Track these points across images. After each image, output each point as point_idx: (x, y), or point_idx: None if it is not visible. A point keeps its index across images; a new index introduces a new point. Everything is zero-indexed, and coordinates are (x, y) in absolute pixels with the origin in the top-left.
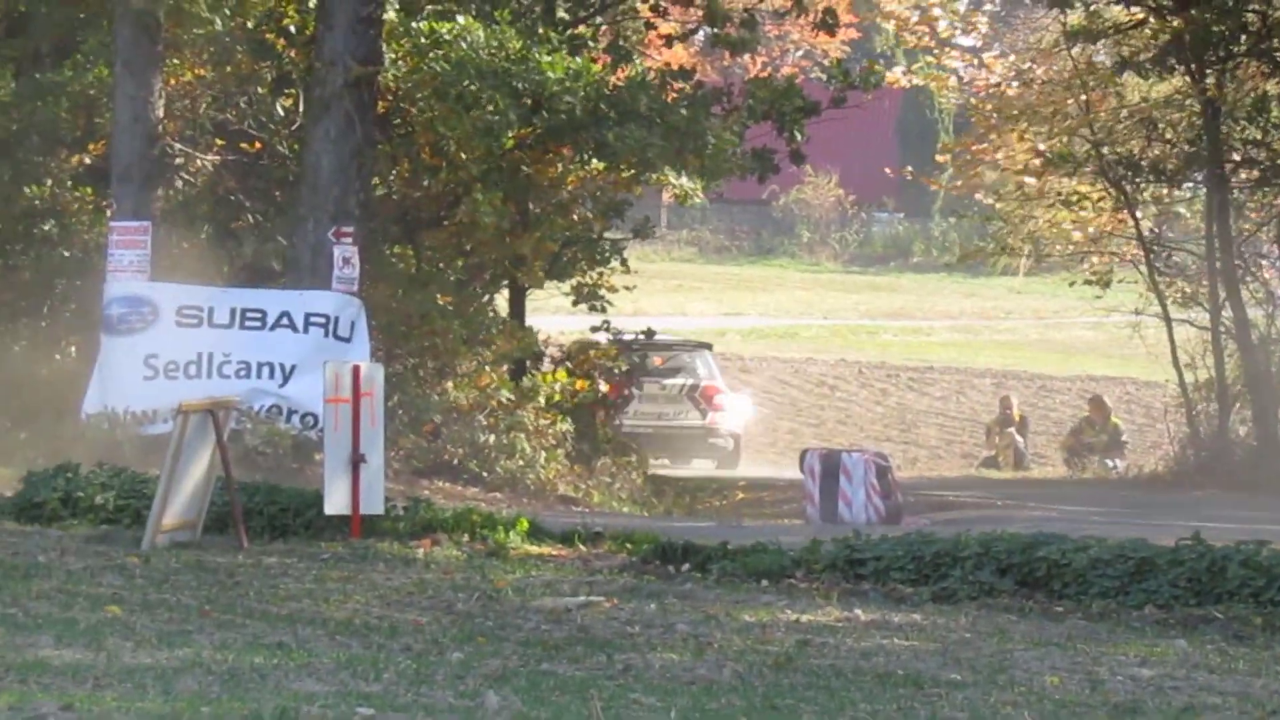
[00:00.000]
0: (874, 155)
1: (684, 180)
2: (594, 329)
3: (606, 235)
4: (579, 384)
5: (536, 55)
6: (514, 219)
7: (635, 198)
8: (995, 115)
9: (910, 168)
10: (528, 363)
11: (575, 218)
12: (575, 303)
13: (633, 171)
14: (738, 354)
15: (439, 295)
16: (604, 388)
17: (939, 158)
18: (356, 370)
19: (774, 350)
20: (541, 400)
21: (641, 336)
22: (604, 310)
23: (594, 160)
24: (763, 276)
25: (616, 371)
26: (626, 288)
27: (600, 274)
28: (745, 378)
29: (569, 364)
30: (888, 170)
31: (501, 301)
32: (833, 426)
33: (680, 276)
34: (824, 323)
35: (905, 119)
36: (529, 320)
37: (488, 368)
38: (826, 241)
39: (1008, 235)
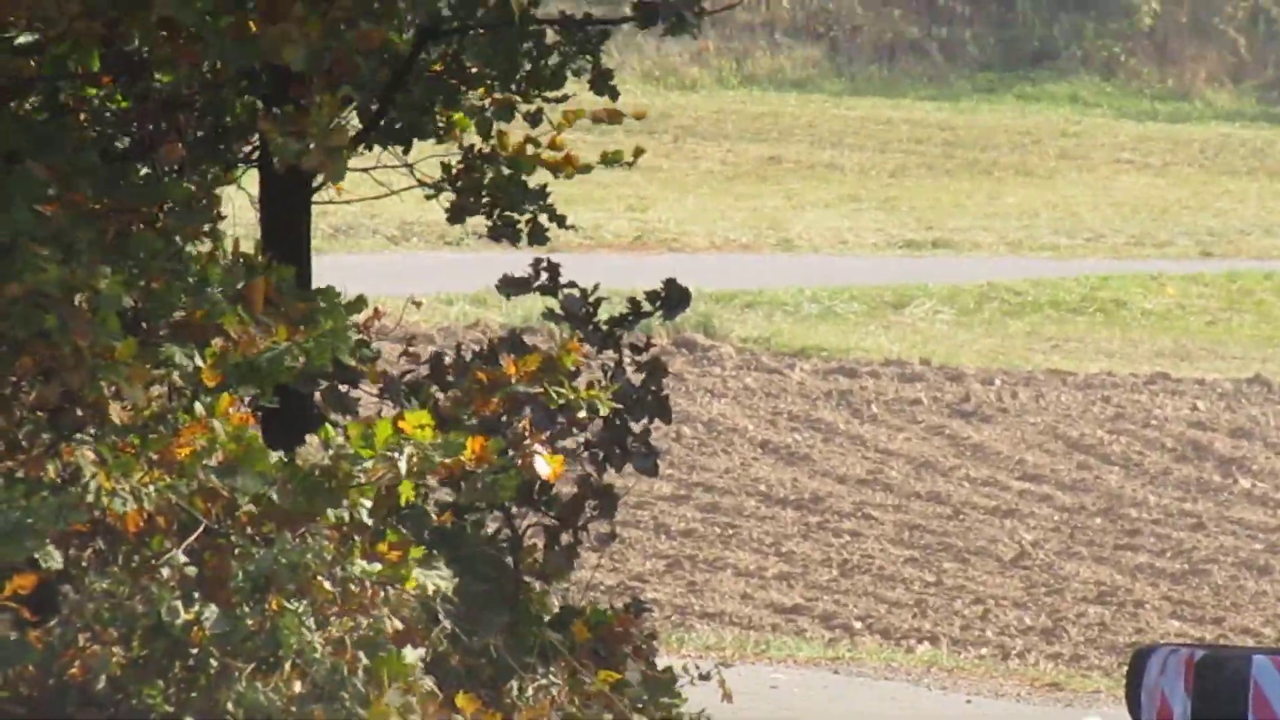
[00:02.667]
0: None
1: None
2: (508, 285)
3: (545, 17)
4: (472, 447)
5: None
6: None
7: None
8: None
9: None
10: (319, 392)
11: None
12: (456, 213)
13: None
14: (949, 366)
15: (51, 193)
16: (545, 466)
17: None
18: None
19: (1052, 356)
20: (362, 504)
21: (651, 306)
22: (542, 238)
23: None
24: (1025, 128)
25: (583, 410)
26: (616, 159)
27: (538, 116)
28: (960, 426)
29: (442, 392)
30: None
31: (244, 207)
32: (1229, 575)
33: (779, 135)
34: (1214, 267)
35: None
36: (324, 267)
37: (200, 404)
38: (1203, 25)
39: None
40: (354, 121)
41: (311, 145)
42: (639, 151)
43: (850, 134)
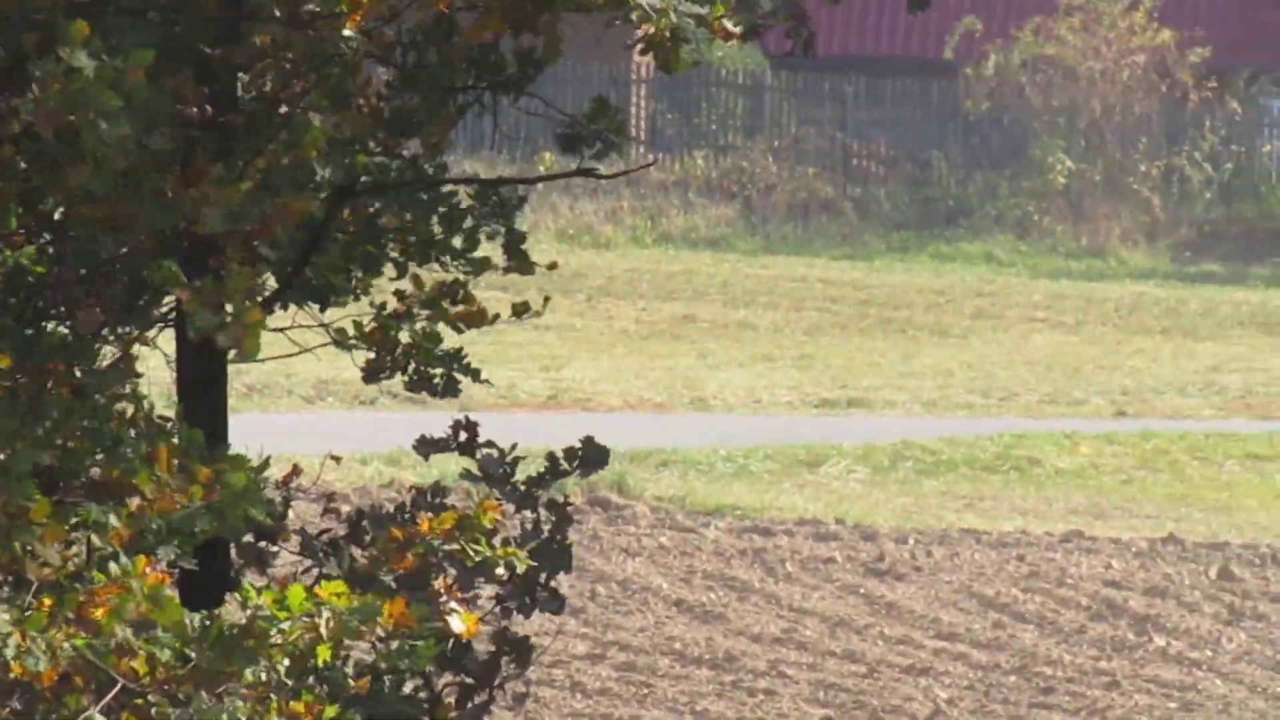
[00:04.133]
0: None
1: None
2: (426, 445)
3: (461, 176)
4: (390, 611)
5: None
6: (186, 105)
7: (539, 51)
8: None
9: None
10: (234, 552)
11: (365, 106)
12: (371, 373)
13: None
14: (863, 525)
15: None
16: (460, 623)
17: None
18: None
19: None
20: (280, 664)
21: (568, 465)
22: (454, 391)
23: None
24: (939, 287)
25: (500, 568)
26: (524, 310)
27: (454, 285)
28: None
29: (361, 553)
30: None
31: (159, 366)
32: None
33: (693, 293)
34: (1128, 426)
35: None
36: (240, 425)
37: (118, 564)
38: (1117, 184)
39: None
40: (270, 282)
41: (229, 319)
42: (547, 299)
43: (764, 293)
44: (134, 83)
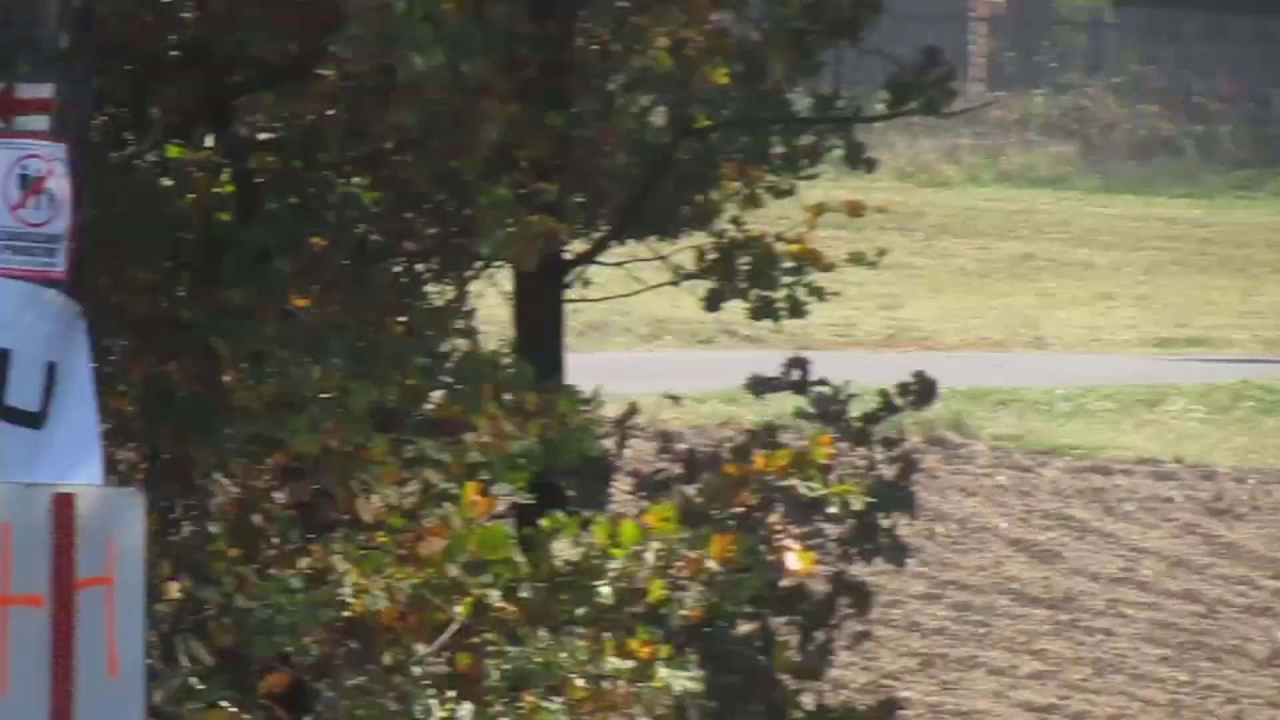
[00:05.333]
0: None
1: None
2: (758, 383)
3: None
4: (718, 544)
5: None
6: (519, 45)
7: None
8: None
9: None
10: (571, 486)
11: (702, 41)
12: (713, 301)
13: None
14: (1202, 464)
15: (293, 294)
16: (796, 561)
17: None
18: (65, 506)
19: None
20: (612, 601)
21: (901, 400)
22: (800, 311)
23: None
24: (1272, 229)
25: (834, 505)
26: (860, 259)
27: (791, 193)
28: None
29: (695, 490)
30: None
31: (496, 304)
32: None
33: (1032, 232)
34: None
35: None
36: (576, 364)
37: (452, 501)
38: None
39: None
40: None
41: (511, 232)
42: (882, 252)
43: (1104, 231)
44: (445, 15)
